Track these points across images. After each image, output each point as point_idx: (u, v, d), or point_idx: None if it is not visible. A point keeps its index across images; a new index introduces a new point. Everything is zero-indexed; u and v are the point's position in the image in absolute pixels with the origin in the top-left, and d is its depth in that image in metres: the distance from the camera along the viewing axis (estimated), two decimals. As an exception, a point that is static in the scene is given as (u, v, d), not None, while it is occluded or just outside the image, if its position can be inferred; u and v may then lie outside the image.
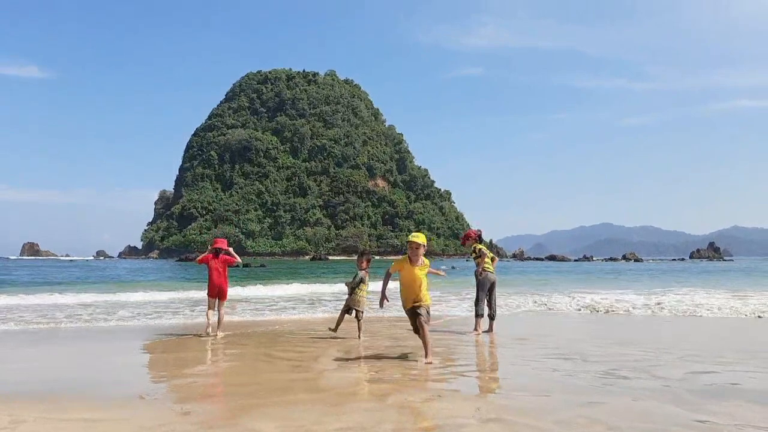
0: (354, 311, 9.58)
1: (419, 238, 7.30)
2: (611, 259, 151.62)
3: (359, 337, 9.52)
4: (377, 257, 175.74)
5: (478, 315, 10.32)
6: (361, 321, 9.64)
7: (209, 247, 10.38)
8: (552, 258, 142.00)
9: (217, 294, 10.10)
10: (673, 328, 11.61)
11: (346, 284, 9.93)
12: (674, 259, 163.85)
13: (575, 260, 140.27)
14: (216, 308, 10.11)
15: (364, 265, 9.61)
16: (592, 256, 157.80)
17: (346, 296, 9.81)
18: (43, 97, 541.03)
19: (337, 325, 9.73)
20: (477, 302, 10.39)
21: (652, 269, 63.65)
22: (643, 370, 6.83)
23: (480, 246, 10.54)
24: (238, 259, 10.68)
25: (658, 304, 16.31)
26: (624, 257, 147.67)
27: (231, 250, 10.46)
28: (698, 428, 4.43)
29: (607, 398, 5.35)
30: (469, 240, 10.63)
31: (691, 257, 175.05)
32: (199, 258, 10.53)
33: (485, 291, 10.37)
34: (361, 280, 9.50)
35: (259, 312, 14.87)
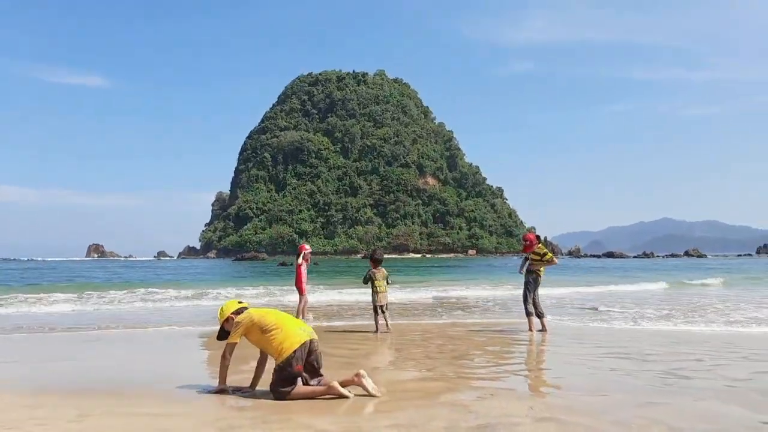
0: (380, 308, 10.36)
1: (221, 312, 5.62)
2: (672, 255, 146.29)
3: (387, 328, 10.30)
4: (428, 255, 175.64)
5: (529, 314, 10.20)
6: (386, 313, 10.42)
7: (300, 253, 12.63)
8: (610, 255, 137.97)
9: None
10: (739, 329, 11.12)
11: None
12: (740, 255, 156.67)
13: (634, 257, 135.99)
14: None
15: (372, 264, 10.60)
16: (652, 253, 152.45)
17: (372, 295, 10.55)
18: (105, 104, 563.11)
19: (377, 325, 10.37)
20: (525, 301, 10.27)
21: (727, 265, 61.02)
22: (706, 370, 6.59)
23: (546, 250, 10.42)
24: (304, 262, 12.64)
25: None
26: (686, 253, 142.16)
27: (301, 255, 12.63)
28: (764, 430, 4.24)
29: (668, 398, 5.18)
30: (533, 245, 10.42)
31: (757, 253, 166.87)
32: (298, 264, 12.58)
33: (532, 292, 10.24)
34: (370, 278, 10.38)
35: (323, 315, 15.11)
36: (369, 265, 10.75)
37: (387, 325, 10.34)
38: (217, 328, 5.74)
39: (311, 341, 5.30)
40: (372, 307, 10.45)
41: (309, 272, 13.20)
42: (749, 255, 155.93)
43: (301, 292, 12.46)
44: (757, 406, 4.88)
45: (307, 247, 13.15)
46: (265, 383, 5.42)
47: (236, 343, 5.40)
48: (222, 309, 5.65)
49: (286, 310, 5.78)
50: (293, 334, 5.23)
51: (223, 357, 5.45)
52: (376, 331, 10.21)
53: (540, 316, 10.25)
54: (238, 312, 5.51)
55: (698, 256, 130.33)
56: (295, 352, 5.13)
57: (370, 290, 10.52)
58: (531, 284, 10.24)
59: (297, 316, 11.79)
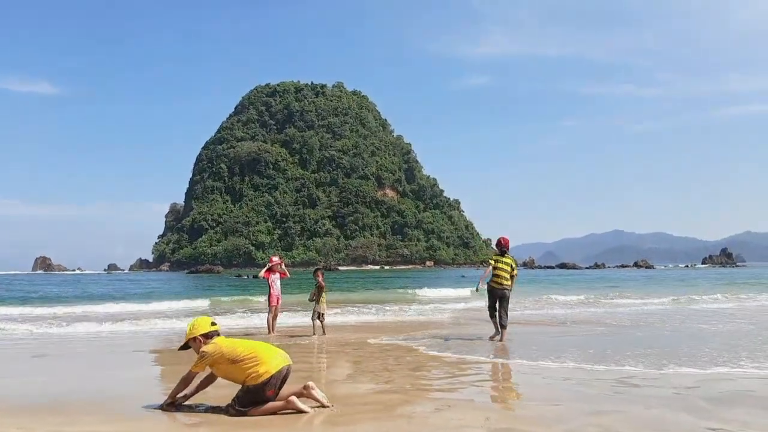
0: (320, 315, 11.59)
1: (190, 329, 5.36)
2: (623, 266, 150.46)
3: (324, 333, 11.45)
4: (387, 267, 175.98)
5: (492, 317, 10.55)
6: (324, 322, 11.65)
7: (268, 265, 12.50)
8: (563, 266, 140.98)
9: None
10: (689, 335, 11.48)
11: (310, 299, 12.07)
12: (686, 266, 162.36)
13: (587, 268, 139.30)
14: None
15: (320, 277, 11.88)
16: (604, 264, 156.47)
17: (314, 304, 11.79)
18: (54, 112, 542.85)
19: (314, 330, 11.64)
20: (491, 313, 10.60)
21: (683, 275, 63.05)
22: (656, 377, 6.77)
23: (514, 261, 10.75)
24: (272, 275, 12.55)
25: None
26: (636, 264, 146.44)
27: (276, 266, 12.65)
28: (711, 436, 4.38)
29: (619, 406, 5.30)
30: (506, 246, 10.81)
31: (703, 263, 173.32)
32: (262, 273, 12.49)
33: (497, 301, 10.46)
34: (320, 289, 11.68)
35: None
36: (315, 277, 11.97)
37: (322, 330, 11.55)
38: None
39: (288, 367, 5.17)
40: (314, 314, 11.66)
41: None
42: (695, 265, 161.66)
43: (269, 304, 12.12)
44: (703, 413, 5.04)
45: (276, 258, 12.68)
46: (209, 398, 5.29)
47: (198, 372, 5.17)
48: (193, 325, 5.34)
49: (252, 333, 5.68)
50: (270, 359, 5.06)
51: (183, 381, 5.17)
52: (313, 334, 11.45)
53: (502, 327, 10.42)
54: (208, 336, 5.25)
55: (647, 267, 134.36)
56: (271, 377, 4.98)
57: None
58: (496, 291, 10.42)
59: (269, 331, 11.97)
